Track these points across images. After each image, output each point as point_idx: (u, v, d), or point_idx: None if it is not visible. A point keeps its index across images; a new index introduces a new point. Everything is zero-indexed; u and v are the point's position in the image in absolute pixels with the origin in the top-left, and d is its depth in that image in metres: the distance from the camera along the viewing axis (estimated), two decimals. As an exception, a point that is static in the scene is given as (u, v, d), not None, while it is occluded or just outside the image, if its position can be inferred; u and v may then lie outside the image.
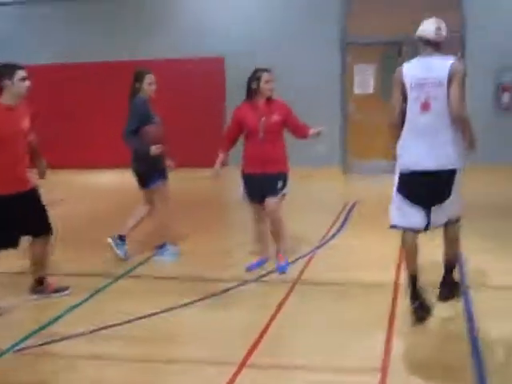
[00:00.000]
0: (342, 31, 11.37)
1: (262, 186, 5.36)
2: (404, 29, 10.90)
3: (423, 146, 4.29)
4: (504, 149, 10.58)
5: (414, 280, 4.37)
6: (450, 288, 4.69)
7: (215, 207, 9.11)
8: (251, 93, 5.34)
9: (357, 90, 11.61)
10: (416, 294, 4.34)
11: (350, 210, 8.15)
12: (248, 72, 5.42)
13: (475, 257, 5.61)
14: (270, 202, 5.34)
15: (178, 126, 10.78)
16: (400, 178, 4.43)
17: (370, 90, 11.57)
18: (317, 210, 8.29)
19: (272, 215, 5.40)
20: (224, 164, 5.66)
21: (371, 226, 6.81)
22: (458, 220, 4.56)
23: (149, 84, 5.72)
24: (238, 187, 5.69)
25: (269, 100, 5.35)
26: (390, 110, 4.52)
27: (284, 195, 5.45)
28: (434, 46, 4.41)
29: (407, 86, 4.38)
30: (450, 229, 4.54)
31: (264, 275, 5.44)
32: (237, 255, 6.10)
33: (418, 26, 4.52)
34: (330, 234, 6.88)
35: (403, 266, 4.69)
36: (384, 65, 11.46)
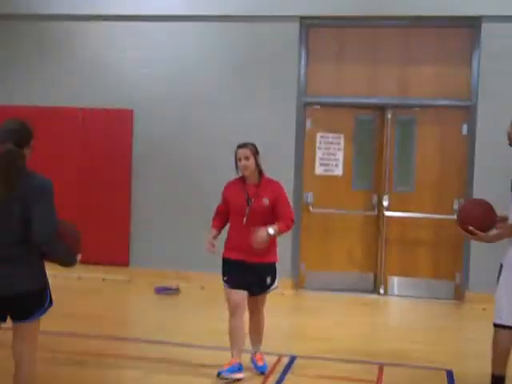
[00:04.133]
0: (298, 86, 7.95)
1: (245, 276, 4.80)
2: (388, 89, 7.81)
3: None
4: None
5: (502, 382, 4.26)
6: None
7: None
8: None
9: (318, 170, 8.12)
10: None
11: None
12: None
13: None
14: (258, 299, 4.94)
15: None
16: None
17: (338, 171, 8.09)
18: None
19: (258, 314, 5.02)
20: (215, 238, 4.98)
21: None
22: None
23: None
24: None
25: (260, 179, 4.87)
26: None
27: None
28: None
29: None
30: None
31: None
32: None
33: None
34: None
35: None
36: (358, 135, 8.06)
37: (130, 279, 8.10)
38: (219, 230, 5.01)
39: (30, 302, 3.39)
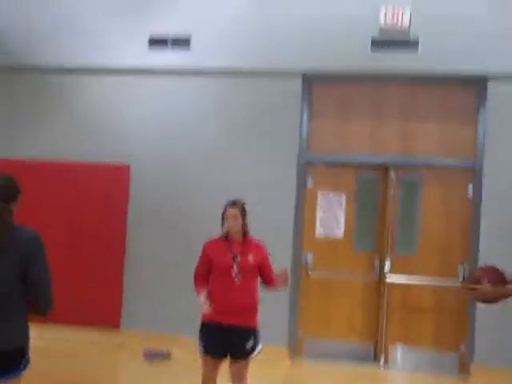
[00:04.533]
0: (300, 142, 7.70)
1: (226, 340, 4.68)
2: (391, 147, 7.57)
3: None
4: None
5: None
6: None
7: None
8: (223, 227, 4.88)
9: (319, 232, 7.80)
10: None
11: None
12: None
13: None
14: (240, 365, 4.74)
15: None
16: None
17: (339, 233, 7.77)
18: None
19: (239, 376, 4.76)
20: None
21: None
22: None
23: None
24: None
25: (245, 237, 4.83)
26: None
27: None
28: None
29: None
30: None
31: None
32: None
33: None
34: None
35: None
36: (360, 195, 7.77)
37: (120, 343, 7.70)
38: (206, 290, 4.85)
39: (11, 359, 3.29)
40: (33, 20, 8.12)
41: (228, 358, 4.79)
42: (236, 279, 4.69)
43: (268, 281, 4.88)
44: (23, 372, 3.34)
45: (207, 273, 4.87)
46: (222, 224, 4.84)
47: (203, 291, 4.82)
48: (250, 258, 4.74)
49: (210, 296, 4.78)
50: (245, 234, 4.83)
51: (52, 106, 8.14)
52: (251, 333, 4.76)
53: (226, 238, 4.83)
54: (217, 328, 4.70)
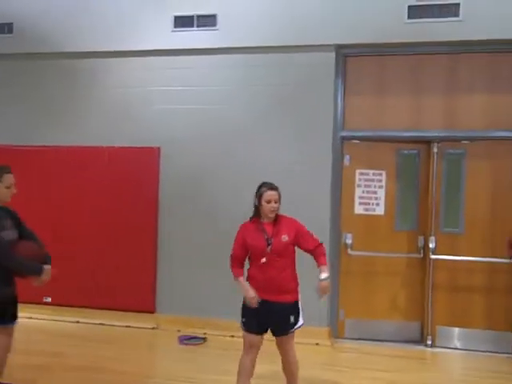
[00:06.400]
0: (334, 119, 7.39)
1: (267, 316, 4.77)
2: (433, 120, 7.20)
3: None
4: None
5: None
6: None
7: None
8: (255, 210, 4.88)
9: (358, 210, 7.50)
10: None
11: None
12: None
13: None
14: (283, 340, 4.86)
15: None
16: None
17: (380, 211, 7.46)
18: None
19: (287, 355, 4.90)
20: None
21: None
22: None
23: (6, 187, 4.53)
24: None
25: (276, 218, 4.83)
26: None
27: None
28: None
29: None
30: None
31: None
32: None
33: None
34: None
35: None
36: (401, 172, 7.43)
37: (155, 326, 7.59)
38: (243, 276, 4.93)
39: None
40: (60, 5, 8.02)
41: (269, 334, 4.88)
42: (272, 259, 4.73)
43: (312, 251, 4.87)
44: None
45: (244, 255, 4.91)
46: (257, 206, 4.85)
47: (241, 276, 4.88)
48: (284, 237, 4.77)
49: (249, 278, 4.85)
50: (276, 215, 4.85)
51: (81, 91, 8.04)
52: (292, 307, 4.82)
53: (259, 219, 4.86)
54: (263, 306, 4.76)
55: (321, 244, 4.89)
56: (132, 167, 7.80)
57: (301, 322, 4.87)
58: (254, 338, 4.86)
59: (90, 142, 7.90)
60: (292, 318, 4.81)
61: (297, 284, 4.88)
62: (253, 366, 4.93)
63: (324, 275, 4.75)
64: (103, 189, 7.86)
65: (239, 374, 4.91)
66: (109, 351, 6.66)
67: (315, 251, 4.86)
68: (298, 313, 4.86)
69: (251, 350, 4.88)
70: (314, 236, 4.92)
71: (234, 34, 7.47)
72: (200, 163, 7.59)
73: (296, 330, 4.86)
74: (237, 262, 4.92)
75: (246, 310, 4.85)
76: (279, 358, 5.01)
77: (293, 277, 4.85)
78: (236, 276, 4.90)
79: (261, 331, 4.85)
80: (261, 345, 4.91)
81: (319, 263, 4.82)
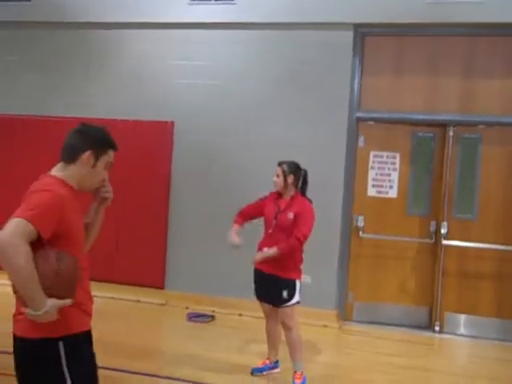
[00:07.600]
0: (350, 99, 7.29)
1: (268, 287, 5.02)
2: (450, 104, 7.08)
3: None
4: None
5: None
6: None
7: None
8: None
9: (371, 192, 7.44)
10: None
11: None
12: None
13: None
14: (279, 311, 5.04)
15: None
16: None
17: (393, 194, 7.39)
18: None
19: (284, 325, 5.04)
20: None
21: None
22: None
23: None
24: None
25: (293, 197, 5.04)
26: None
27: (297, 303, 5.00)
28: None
29: None
30: None
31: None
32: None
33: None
34: None
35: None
36: (415, 154, 7.34)
37: (164, 302, 7.60)
38: (241, 225, 5.19)
39: None
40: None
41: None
42: (276, 232, 4.95)
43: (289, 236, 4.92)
44: None
45: (252, 213, 5.24)
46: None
47: (236, 225, 5.16)
48: (290, 215, 4.95)
49: (258, 245, 5.07)
50: (296, 192, 5.05)
51: (97, 62, 7.97)
52: (285, 283, 4.94)
53: (279, 194, 5.10)
54: (259, 275, 5.10)
55: (298, 238, 4.84)
56: (145, 141, 7.74)
57: (296, 299, 4.97)
58: (262, 305, 5.17)
59: (103, 115, 7.82)
60: (285, 294, 4.94)
61: (296, 263, 4.99)
62: (275, 333, 5.22)
63: (267, 250, 4.87)
64: (115, 162, 7.77)
65: (267, 339, 5.30)
66: (118, 325, 6.67)
67: (292, 235, 4.86)
68: (294, 291, 4.96)
69: (266, 317, 5.22)
70: (305, 229, 4.86)
71: (251, 10, 7.36)
72: (213, 138, 7.52)
73: (304, 311, 5.08)
74: (240, 212, 5.24)
75: (254, 279, 5.15)
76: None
77: (292, 255, 4.92)
78: (233, 222, 5.19)
79: (264, 299, 5.11)
80: (273, 314, 5.12)
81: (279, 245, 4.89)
